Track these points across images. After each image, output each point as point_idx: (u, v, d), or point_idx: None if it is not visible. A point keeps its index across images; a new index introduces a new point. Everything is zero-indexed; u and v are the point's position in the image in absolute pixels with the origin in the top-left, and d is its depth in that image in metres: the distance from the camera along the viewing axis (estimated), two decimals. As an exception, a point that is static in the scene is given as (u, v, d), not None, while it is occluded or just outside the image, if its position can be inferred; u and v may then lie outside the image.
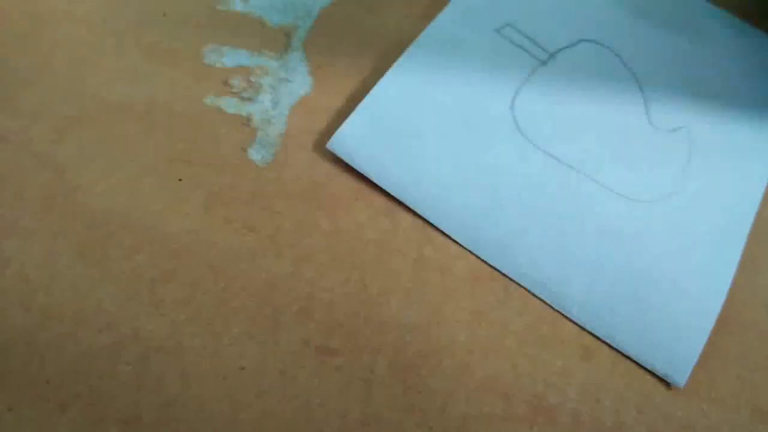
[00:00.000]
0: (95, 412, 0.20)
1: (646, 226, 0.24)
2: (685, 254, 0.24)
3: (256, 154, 0.25)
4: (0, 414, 0.20)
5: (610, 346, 0.23)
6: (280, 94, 0.26)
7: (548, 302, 0.23)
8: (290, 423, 0.21)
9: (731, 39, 0.29)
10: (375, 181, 0.24)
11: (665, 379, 0.22)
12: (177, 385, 0.21)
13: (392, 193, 0.24)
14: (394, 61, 0.28)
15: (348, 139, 0.25)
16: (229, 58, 0.27)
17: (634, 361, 0.23)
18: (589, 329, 0.23)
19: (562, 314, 0.23)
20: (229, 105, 0.26)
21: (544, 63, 0.27)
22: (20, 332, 0.21)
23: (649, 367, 0.22)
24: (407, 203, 0.24)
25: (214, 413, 0.21)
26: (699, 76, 0.28)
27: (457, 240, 0.24)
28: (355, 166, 0.24)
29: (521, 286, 0.23)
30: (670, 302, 0.23)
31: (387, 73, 0.26)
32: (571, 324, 0.23)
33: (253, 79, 0.26)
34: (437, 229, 0.24)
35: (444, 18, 0.28)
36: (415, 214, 0.24)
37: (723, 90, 0.28)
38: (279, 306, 0.22)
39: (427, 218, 0.24)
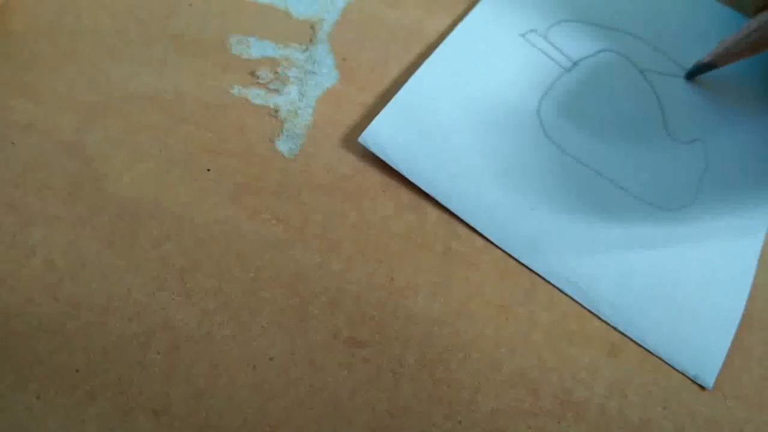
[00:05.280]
0: (124, 401, 0.20)
1: (669, 232, 0.25)
2: (706, 259, 0.24)
3: (283, 146, 0.25)
4: (28, 402, 0.20)
5: (638, 344, 0.23)
6: (307, 85, 0.26)
7: (579, 301, 0.23)
8: (319, 414, 0.21)
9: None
10: (407, 176, 0.24)
11: (695, 380, 0.22)
12: (207, 375, 0.21)
13: (423, 188, 0.24)
14: (418, 55, 0.28)
15: (380, 134, 0.25)
16: (255, 49, 0.27)
17: (662, 359, 0.23)
18: (621, 330, 0.23)
19: (591, 311, 0.23)
20: (256, 96, 0.26)
21: (568, 71, 0.28)
22: (48, 321, 0.21)
23: (678, 368, 0.23)
24: (438, 199, 0.24)
25: (243, 403, 0.21)
26: (714, 88, 0.28)
27: (487, 236, 0.24)
28: (386, 161, 0.24)
29: (548, 282, 0.23)
30: (695, 305, 0.24)
31: (419, 69, 0.26)
32: (598, 320, 0.23)
33: (279, 70, 0.26)
34: (463, 223, 0.24)
35: (473, 18, 0.28)
36: (441, 208, 0.24)
37: (738, 104, 0.28)
38: (307, 297, 0.22)
39: (458, 214, 0.24)
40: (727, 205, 0.26)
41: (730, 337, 0.23)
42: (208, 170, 0.24)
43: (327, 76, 0.27)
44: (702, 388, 0.22)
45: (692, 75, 0.28)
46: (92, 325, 0.21)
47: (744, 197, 0.26)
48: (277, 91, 0.26)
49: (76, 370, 0.21)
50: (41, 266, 0.22)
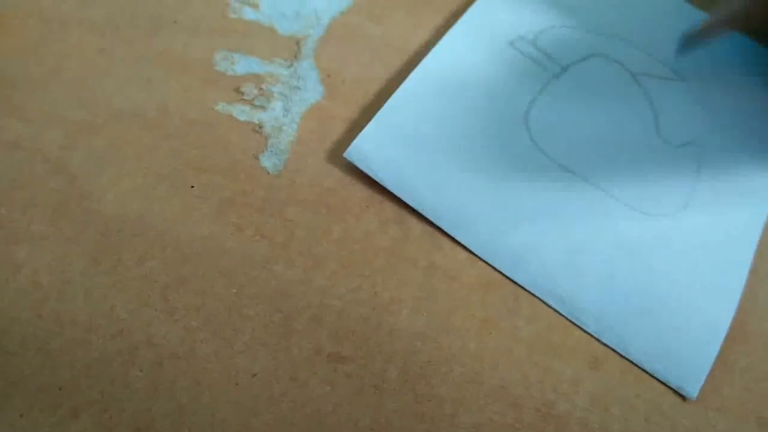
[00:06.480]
0: (108, 418, 0.21)
1: (657, 239, 0.25)
2: (696, 268, 0.24)
3: (267, 162, 0.25)
4: (12, 421, 0.20)
5: (621, 356, 0.23)
6: (291, 101, 0.26)
7: (563, 314, 0.23)
8: (302, 430, 0.21)
9: (738, 56, 0.29)
10: (392, 190, 0.24)
11: (678, 391, 0.22)
12: (190, 392, 0.21)
13: (409, 203, 0.24)
14: (403, 70, 0.28)
15: (365, 148, 0.25)
16: (240, 65, 0.27)
17: (645, 371, 0.23)
18: (605, 341, 0.23)
19: (575, 324, 0.23)
20: (241, 112, 0.26)
21: (556, 77, 0.28)
22: (32, 338, 0.21)
23: (662, 380, 0.23)
24: (424, 213, 0.24)
25: (226, 420, 0.21)
26: (707, 92, 0.28)
27: (473, 250, 0.24)
28: (372, 175, 0.24)
29: (531, 294, 0.24)
30: (681, 315, 0.23)
31: (403, 83, 0.26)
32: (580, 332, 0.23)
33: (264, 86, 0.27)
34: (447, 237, 0.24)
35: (458, 29, 0.28)
36: (425, 222, 0.24)
37: (731, 106, 0.28)
38: (291, 313, 0.22)
39: (443, 228, 0.24)
40: (718, 210, 0.25)
41: (717, 348, 0.23)
42: (193, 186, 0.24)
43: (312, 92, 0.27)
44: (684, 399, 0.22)
45: (684, 47, 0.27)
46: (76, 342, 0.21)
47: (737, 202, 0.26)
48: (261, 107, 0.26)
49: (60, 388, 0.21)
50: (26, 283, 0.22)
